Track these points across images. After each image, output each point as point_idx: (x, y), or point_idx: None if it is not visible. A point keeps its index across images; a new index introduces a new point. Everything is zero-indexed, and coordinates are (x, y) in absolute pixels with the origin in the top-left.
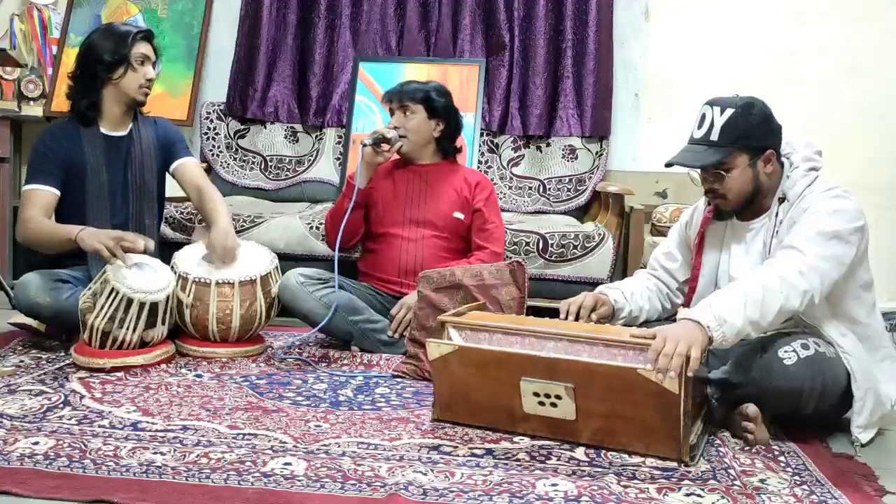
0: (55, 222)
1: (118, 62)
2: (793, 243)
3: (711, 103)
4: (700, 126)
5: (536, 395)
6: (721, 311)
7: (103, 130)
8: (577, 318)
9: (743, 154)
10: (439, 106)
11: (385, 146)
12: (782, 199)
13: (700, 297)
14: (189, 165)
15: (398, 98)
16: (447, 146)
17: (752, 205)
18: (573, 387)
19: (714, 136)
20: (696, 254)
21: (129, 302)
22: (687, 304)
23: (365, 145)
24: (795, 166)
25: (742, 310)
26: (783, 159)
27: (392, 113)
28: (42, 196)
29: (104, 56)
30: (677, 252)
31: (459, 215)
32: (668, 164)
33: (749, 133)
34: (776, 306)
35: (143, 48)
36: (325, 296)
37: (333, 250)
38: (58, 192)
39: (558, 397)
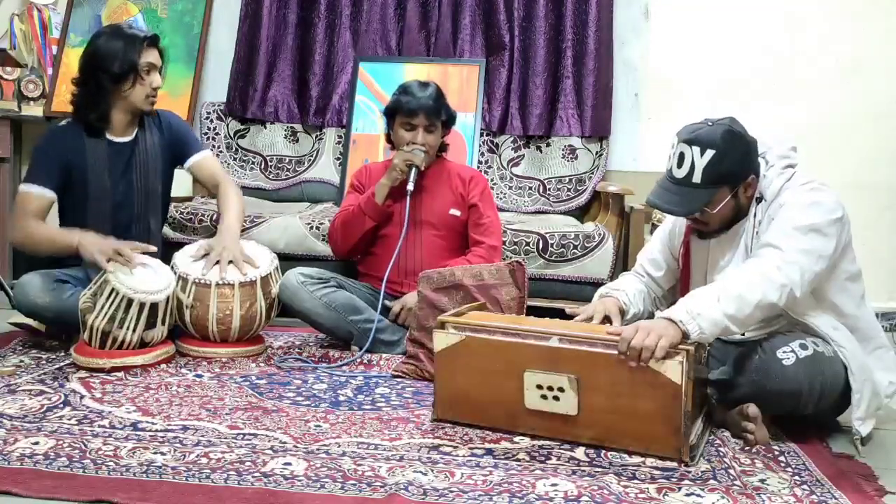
0: (54, 227)
1: (126, 73)
2: (770, 240)
3: (689, 142)
4: (680, 165)
5: (539, 387)
6: (693, 306)
7: (108, 136)
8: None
9: (725, 189)
10: (450, 119)
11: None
12: (759, 199)
13: None
14: (205, 161)
15: (427, 116)
16: (442, 146)
17: (735, 222)
18: (577, 378)
19: (696, 179)
20: (683, 263)
21: (130, 302)
22: None
23: (410, 191)
24: (771, 165)
25: (716, 304)
26: (759, 160)
27: (409, 126)
28: (36, 199)
29: (112, 68)
30: (661, 259)
31: (456, 212)
32: (651, 205)
33: (732, 172)
34: (753, 300)
35: (150, 56)
36: (326, 295)
37: (339, 257)
38: (54, 196)
39: (561, 390)
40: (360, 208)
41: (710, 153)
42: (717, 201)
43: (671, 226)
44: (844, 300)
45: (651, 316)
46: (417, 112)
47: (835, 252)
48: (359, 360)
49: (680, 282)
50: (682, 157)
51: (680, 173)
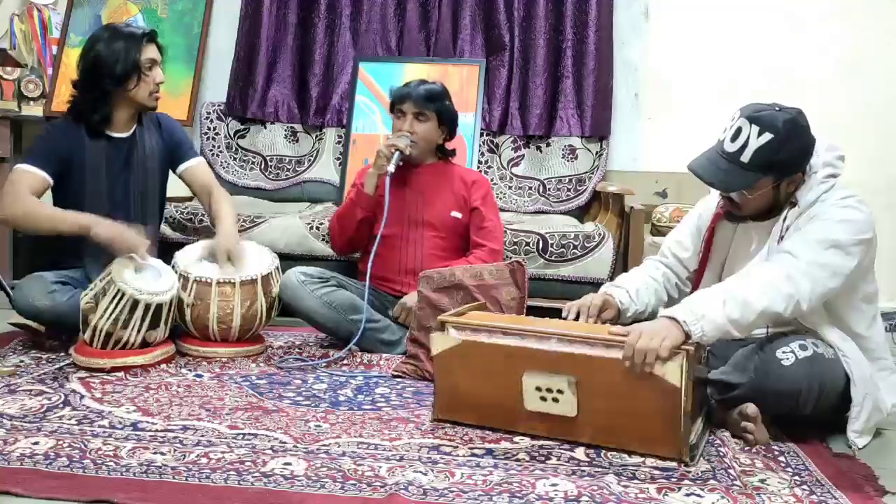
0: (59, 209)
1: (128, 73)
2: (788, 248)
3: (751, 119)
4: (733, 140)
5: (538, 389)
6: (698, 307)
7: (108, 132)
8: (578, 318)
9: (769, 178)
10: (449, 115)
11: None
12: (793, 204)
13: None
14: (198, 168)
15: (415, 103)
16: (444, 150)
17: (768, 214)
18: (576, 380)
19: (745, 158)
20: (705, 248)
21: (136, 303)
22: None
23: (391, 172)
24: (814, 171)
25: (721, 307)
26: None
27: (400, 113)
28: (32, 177)
29: (114, 69)
30: (689, 241)
31: (457, 215)
32: (691, 170)
33: (782, 163)
34: (758, 307)
35: (150, 52)
36: (326, 294)
37: (339, 254)
38: (50, 180)
39: (560, 392)
40: (352, 199)
41: (767, 136)
42: (757, 187)
43: (702, 208)
44: (857, 320)
45: (671, 303)
46: (405, 99)
47: (854, 271)
48: (359, 361)
49: (697, 267)
50: (738, 132)
51: (731, 148)
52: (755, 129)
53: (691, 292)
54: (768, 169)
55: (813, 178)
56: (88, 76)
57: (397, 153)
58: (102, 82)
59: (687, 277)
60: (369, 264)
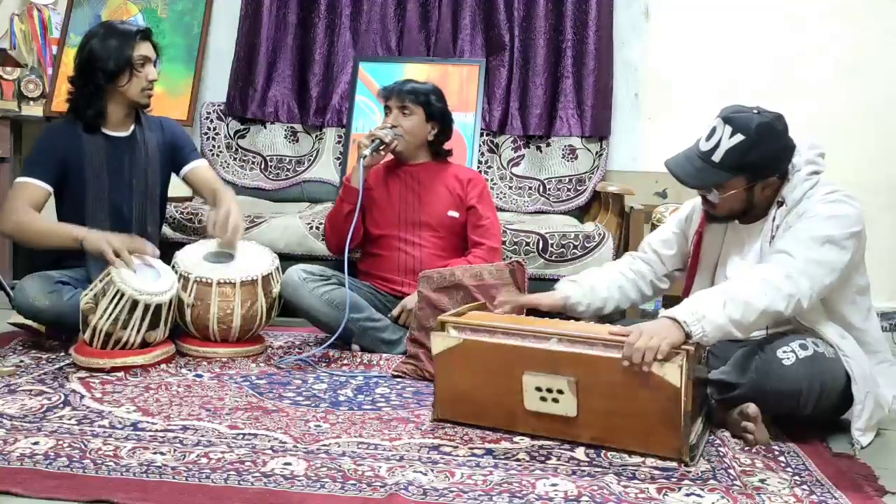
0: (52, 221)
1: (120, 69)
2: (784, 247)
3: (725, 119)
4: (708, 139)
5: (539, 389)
6: (699, 307)
7: (105, 131)
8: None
9: (741, 178)
10: (437, 110)
11: (382, 148)
12: (781, 203)
13: None
14: (202, 169)
15: (398, 97)
16: (438, 149)
17: (743, 216)
18: (576, 380)
19: (716, 158)
20: (694, 252)
21: (135, 304)
22: None
23: (365, 156)
24: (797, 170)
25: (721, 308)
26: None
27: (388, 109)
28: (31, 189)
29: (106, 65)
30: (674, 240)
31: (454, 214)
32: (666, 166)
33: (753, 165)
34: (759, 307)
35: (143, 49)
36: (327, 292)
37: (334, 255)
38: (49, 189)
39: (560, 392)
40: (340, 197)
41: (738, 138)
42: (729, 187)
43: (689, 210)
44: (853, 313)
45: (644, 300)
46: (391, 95)
47: (848, 265)
48: (359, 361)
49: (688, 270)
50: (713, 131)
51: (705, 146)
52: (728, 129)
53: (683, 295)
54: (739, 170)
55: (796, 177)
56: (83, 71)
57: (375, 141)
58: (95, 77)
59: (665, 275)
60: (345, 254)
